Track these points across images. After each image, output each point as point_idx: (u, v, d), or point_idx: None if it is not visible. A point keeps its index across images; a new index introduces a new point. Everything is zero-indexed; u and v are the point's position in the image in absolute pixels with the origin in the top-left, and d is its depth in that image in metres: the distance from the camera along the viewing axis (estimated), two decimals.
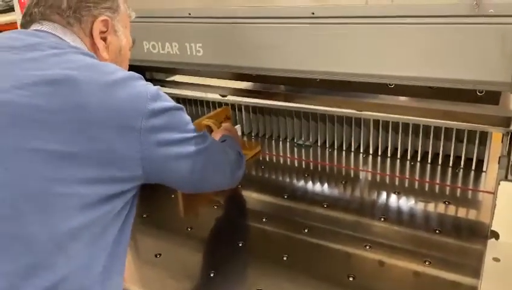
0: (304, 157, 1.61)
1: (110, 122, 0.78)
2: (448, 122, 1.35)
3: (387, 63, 1.12)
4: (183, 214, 1.40)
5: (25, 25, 0.94)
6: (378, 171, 1.48)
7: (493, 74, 1.01)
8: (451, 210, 1.25)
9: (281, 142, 1.72)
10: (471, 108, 1.29)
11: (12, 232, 0.73)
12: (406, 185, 1.39)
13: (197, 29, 1.36)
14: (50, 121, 0.75)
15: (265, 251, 1.15)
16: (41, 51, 0.82)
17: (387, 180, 1.43)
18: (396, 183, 1.41)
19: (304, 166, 1.56)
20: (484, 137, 1.37)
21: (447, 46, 1.03)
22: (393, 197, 1.33)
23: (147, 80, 0.88)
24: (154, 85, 0.88)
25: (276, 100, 1.63)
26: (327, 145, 1.64)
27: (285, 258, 1.10)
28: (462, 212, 1.25)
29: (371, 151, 1.57)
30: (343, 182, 1.43)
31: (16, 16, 1.87)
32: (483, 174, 1.39)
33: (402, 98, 1.41)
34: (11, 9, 3.12)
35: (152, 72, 1.88)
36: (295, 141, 1.70)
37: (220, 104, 1.78)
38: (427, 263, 1.04)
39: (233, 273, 1.09)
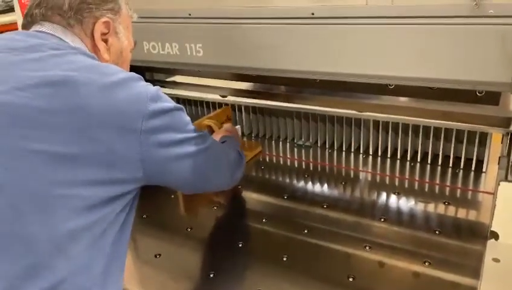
0: (303, 158, 1.61)
1: (110, 123, 0.78)
2: (448, 122, 1.35)
3: (388, 63, 1.12)
4: (183, 215, 1.40)
5: (26, 25, 0.93)
6: (378, 172, 1.48)
7: (493, 75, 1.01)
8: (451, 211, 1.25)
9: (280, 143, 1.72)
10: (471, 109, 1.29)
11: (12, 233, 0.73)
12: (406, 185, 1.39)
13: (197, 30, 1.36)
14: (50, 122, 0.75)
15: (265, 251, 1.15)
16: (42, 52, 0.82)
17: (387, 181, 1.43)
18: (396, 183, 1.41)
19: (303, 166, 1.56)
20: (484, 138, 1.37)
21: (447, 46, 1.03)
22: (393, 198, 1.33)
23: (147, 80, 0.88)
24: (154, 86, 0.88)
25: (276, 101, 1.63)
26: (327, 146, 1.64)
27: (285, 259, 1.10)
28: (461, 213, 1.25)
29: (370, 152, 1.57)
30: (343, 183, 1.43)
31: (16, 16, 1.87)
32: (483, 174, 1.39)
33: (402, 99, 1.41)
34: (11, 9, 3.12)
35: (152, 72, 1.88)
36: (295, 141, 1.70)
37: (220, 104, 1.78)
38: (426, 264, 1.04)
39: (233, 273, 1.09)
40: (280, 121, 1.72)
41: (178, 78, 1.86)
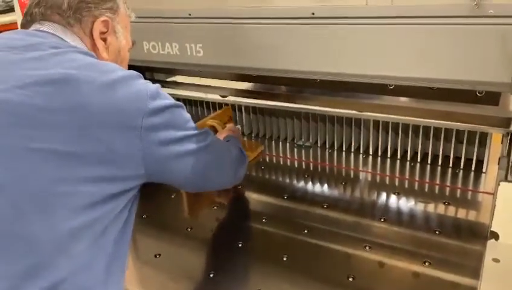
0: (303, 158, 1.61)
1: (111, 121, 0.78)
2: (448, 123, 1.35)
3: (388, 63, 1.12)
4: (183, 215, 1.40)
5: (26, 24, 0.94)
6: (378, 172, 1.48)
7: (493, 75, 1.01)
8: (451, 211, 1.25)
9: (281, 143, 1.72)
10: (471, 109, 1.29)
11: (13, 232, 0.73)
12: (406, 185, 1.39)
13: (198, 30, 1.36)
14: (50, 120, 0.75)
15: (265, 251, 1.15)
16: (42, 51, 0.83)
17: (387, 181, 1.43)
18: (396, 184, 1.41)
19: (303, 167, 1.56)
20: (484, 138, 1.37)
21: (447, 46, 1.03)
22: (393, 198, 1.33)
23: (147, 80, 0.88)
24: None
25: (276, 101, 1.63)
26: (327, 146, 1.64)
27: (285, 259, 1.10)
28: (461, 213, 1.25)
29: (370, 152, 1.57)
30: (343, 183, 1.43)
31: (16, 16, 1.88)
32: (483, 175, 1.39)
33: (402, 99, 1.41)
34: (11, 9, 3.13)
35: (152, 72, 1.88)
36: (295, 141, 1.70)
37: (220, 104, 1.78)
38: (426, 264, 1.04)
39: (233, 273, 1.09)
40: (280, 121, 1.72)
41: (178, 78, 1.86)
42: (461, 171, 1.42)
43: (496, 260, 1.02)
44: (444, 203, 1.27)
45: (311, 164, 1.57)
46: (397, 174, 1.45)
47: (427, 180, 1.40)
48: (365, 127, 1.56)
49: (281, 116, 1.71)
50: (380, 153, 1.55)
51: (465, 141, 1.41)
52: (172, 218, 1.37)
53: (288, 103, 1.60)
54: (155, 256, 1.17)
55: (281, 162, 1.61)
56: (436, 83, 1.13)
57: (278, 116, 1.72)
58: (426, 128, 1.45)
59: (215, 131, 1.45)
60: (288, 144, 1.71)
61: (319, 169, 1.54)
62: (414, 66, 1.09)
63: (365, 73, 1.17)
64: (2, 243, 0.72)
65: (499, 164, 1.15)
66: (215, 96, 1.76)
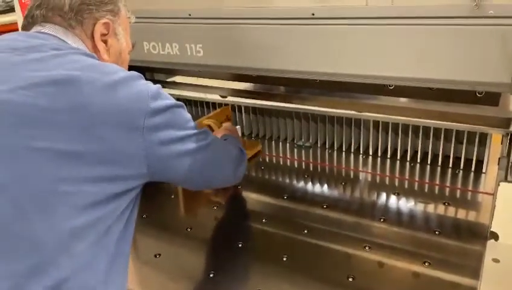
0: (303, 158, 1.61)
1: (113, 121, 0.79)
2: (448, 123, 1.35)
3: (388, 64, 1.12)
4: (183, 215, 1.40)
5: (27, 26, 0.94)
6: (378, 172, 1.48)
7: (493, 75, 1.01)
8: (451, 211, 1.25)
9: (280, 143, 1.72)
10: (470, 109, 1.29)
11: (15, 232, 0.73)
12: (406, 186, 1.39)
13: (197, 30, 1.37)
14: (54, 120, 0.75)
15: (265, 251, 1.15)
16: (43, 52, 0.83)
17: (387, 181, 1.43)
18: (396, 184, 1.41)
19: (303, 167, 1.56)
20: (484, 138, 1.37)
21: (447, 47, 1.04)
22: (393, 198, 1.33)
23: (147, 80, 0.89)
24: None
25: (276, 101, 1.63)
26: (327, 146, 1.64)
27: (285, 259, 1.10)
28: (461, 214, 1.25)
29: (370, 152, 1.57)
30: (343, 183, 1.43)
31: (17, 17, 1.88)
32: (483, 175, 1.39)
33: (402, 99, 1.42)
34: (11, 9, 3.12)
35: (152, 72, 1.88)
36: (295, 141, 1.70)
37: (220, 104, 1.78)
38: (426, 264, 1.04)
39: (233, 273, 1.09)
40: (280, 121, 1.73)
41: (178, 79, 1.87)
42: (461, 171, 1.42)
43: (496, 260, 1.02)
44: (444, 203, 1.28)
45: (311, 164, 1.57)
46: (397, 175, 1.45)
47: (427, 180, 1.40)
48: (365, 127, 1.56)
49: (281, 116, 1.71)
50: (379, 154, 1.55)
51: (465, 142, 1.41)
52: (172, 218, 1.37)
53: (288, 103, 1.60)
54: (155, 256, 1.17)
55: (281, 163, 1.61)
56: (436, 83, 1.13)
57: (278, 116, 1.72)
58: (426, 129, 1.45)
59: (212, 130, 1.45)
60: (288, 144, 1.71)
61: (319, 169, 1.54)
62: (414, 67, 1.09)
63: (365, 73, 1.17)
64: (3, 242, 0.72)
65: (498, 164, 1.15)
66: (215, 97, 1.76)
